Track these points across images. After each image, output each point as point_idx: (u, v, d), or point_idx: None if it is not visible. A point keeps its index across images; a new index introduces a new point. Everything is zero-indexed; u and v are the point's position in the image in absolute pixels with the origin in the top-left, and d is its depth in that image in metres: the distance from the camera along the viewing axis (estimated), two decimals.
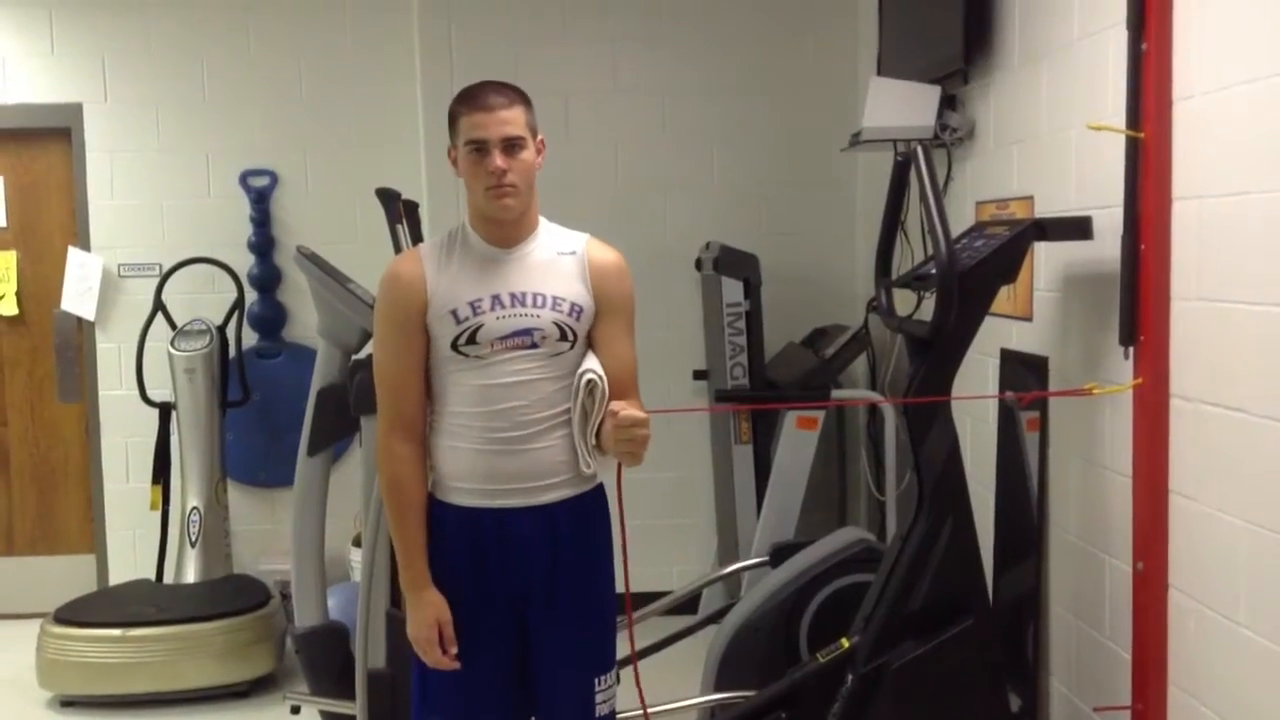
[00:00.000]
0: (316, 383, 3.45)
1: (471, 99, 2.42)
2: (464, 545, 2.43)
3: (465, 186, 2.48)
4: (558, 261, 2.47)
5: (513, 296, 2.41)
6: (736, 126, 5.10)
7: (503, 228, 2.46)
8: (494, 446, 2.38)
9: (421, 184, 4.97)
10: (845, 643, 2.99)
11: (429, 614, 2.41)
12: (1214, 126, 2.46)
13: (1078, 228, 2.94)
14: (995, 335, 3.49)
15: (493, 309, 2.39)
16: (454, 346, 2.38)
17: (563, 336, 2.41)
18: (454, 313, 2.39)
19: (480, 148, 2.39)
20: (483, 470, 2.40)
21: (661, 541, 4.80)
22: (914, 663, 2.89)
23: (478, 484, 2.41)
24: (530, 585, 2.44)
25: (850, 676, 2.94)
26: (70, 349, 5.30)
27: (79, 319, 5.24)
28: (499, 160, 2.38)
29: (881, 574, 3.04)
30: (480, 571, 2.43)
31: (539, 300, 2.41)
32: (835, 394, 4.45)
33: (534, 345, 2.39)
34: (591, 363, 2.42)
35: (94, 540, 5.35)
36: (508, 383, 2.38)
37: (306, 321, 5.15)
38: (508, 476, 2.40)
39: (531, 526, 2.42)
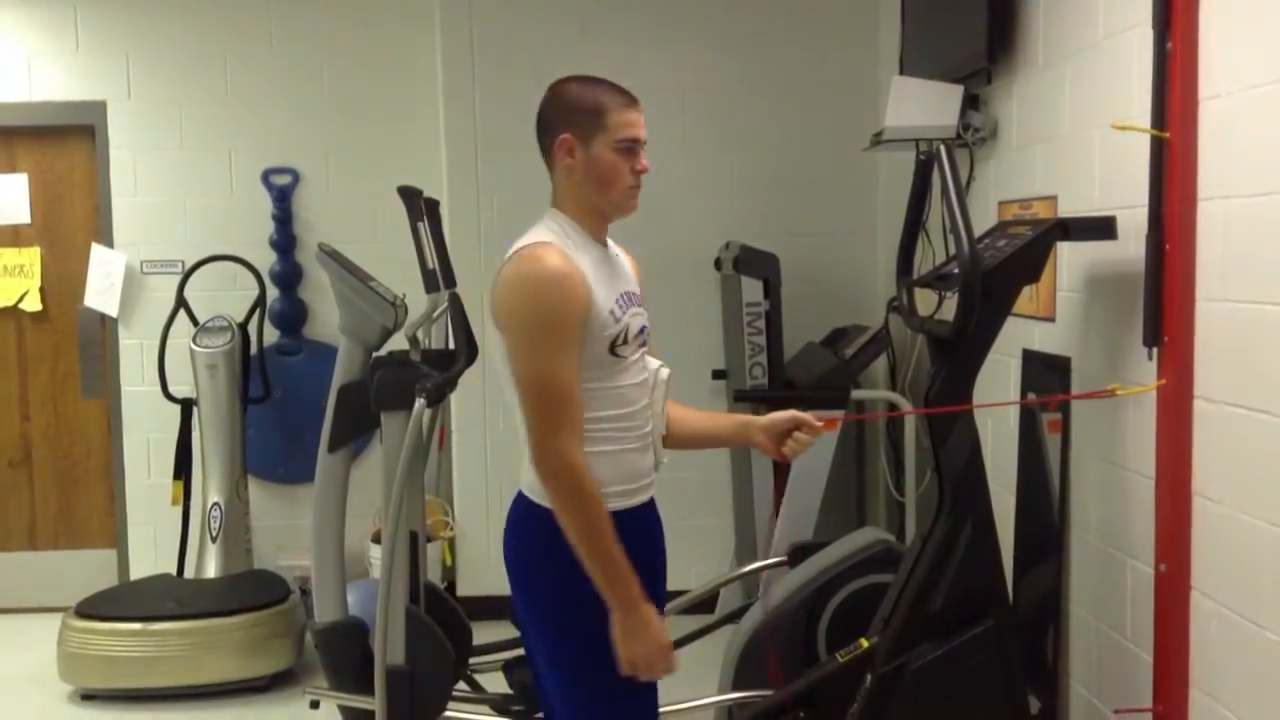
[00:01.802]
0: (337, 380, 3.46)
1: (621, 93, 2.35)
2: (643, 548, 2.35)
3: (583, 178, 2.34)
4: (622, 260, 2.49)
5: (629, 295, 2.38)
6: (757, 126, 5.10)
7: (604, 227, 2.41)
8: (636, 445, 2.34)
9: (442, 182, 4.99)
10: (864, 643, 2.98)
11: (661, 628, 2.25)
12: (1240, 126, 2.44)
13: (1102, 228, 2.93)
14: (1017, 336, 3.48)
15: (627, 306, 2.34)
16: (612, 348, 2.29)
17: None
18: (612, 312, 2.29)
19: (632, 147, 2.34)
20: (632, 470, 2.35)
21: (680, 541, 4.77)
22: (933, 663, 2.88)
23: (632, 484, 2.35)
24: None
25: (869, 676, 2.93)
26: (93, 345, 5.33)
27: (102, 315, 5.27)
28: (645, 161, 2.36)
29: (901, 574, 3.03)
30: (653, 572, 2.39)
31: (639, 298, 2.43)
32: (855, 394, 4.44)
33: (645, 343, 2.42)
34: (654, 359, 2.46)
35: (115, 535, 5.38)
36: (640, 381, 2.37)
37: (327, 319, 5.17)
38: (645, 473, 2.39)
39: (659, 521, 2.46)
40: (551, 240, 2.29)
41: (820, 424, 2.50)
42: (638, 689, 2.31)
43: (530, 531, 2.33)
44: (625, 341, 2.31)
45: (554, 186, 2.40)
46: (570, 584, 2.25)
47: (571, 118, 2.35)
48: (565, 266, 2.23)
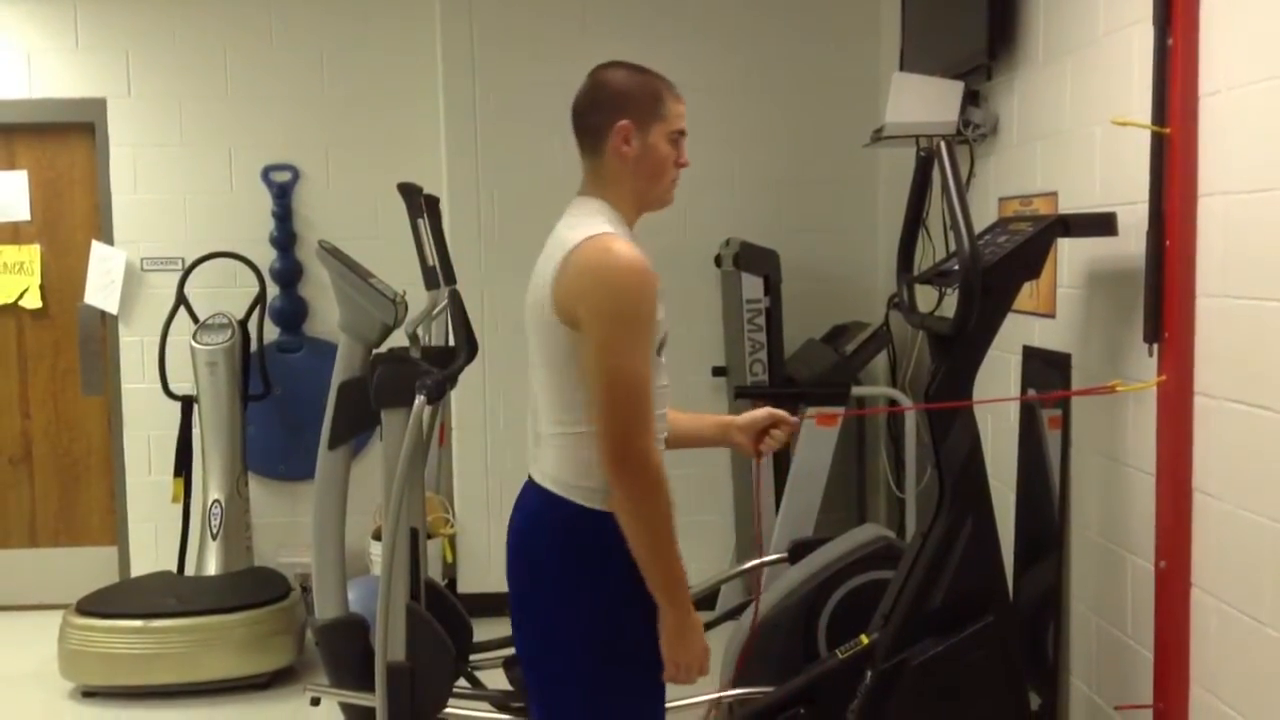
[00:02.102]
0: (337, 377, 3.46)
1: (670, 84, 2.32)
2: None
3: (636, 167, 2.28)
4: None
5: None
6: (757, 122, 5.09)
7: (636, 218, 2.35)
8: (662, 446, 2.27)
9: (442, 179, 4.99)
10: (865, 639, 2.98)
11: (702, 633, 2.24)
12: (1240, 122, 2.44)
13: (1102, 224, 2.93)
14: (1018, 332, 3.48)
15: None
16: (659, 348, 2.24)
17: None
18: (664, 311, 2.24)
19: (680, 140, 2.33)
20: None
21: (681, 537, 4.79)
22: (934, 660, 2.88)
23: None
24: None
25: (869, 673, 2.93)
26: (93, 342, 5.34)
27: (102, 313, 5.27)
28: (686, 155, 2.35)
29: (901, 571, 3.03)
30: None
31: None
32: (855, 391, 4.44)
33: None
34: None
35: (116, 532, 5.38)
36: (667, 384, 2.31)
37: (327, 316, 5.17)
38: None
39: None
40: (614, 230, 2.20)
41: (795, 420, 2.48)
42: (660, 694, 2.29)
43: (580, 533, 2.21)
44: (665, 343, 2.28)
45: (595, 173, 2.30)
46: (620, 588, 2.19)
47: (631, 103, 2.28)
48: (643, 259, 2.15)
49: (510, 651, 3.71)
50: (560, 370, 2.19)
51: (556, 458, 2.23)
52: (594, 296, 2.13)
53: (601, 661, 2.23)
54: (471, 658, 3.78)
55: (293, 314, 5.28)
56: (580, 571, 2.22)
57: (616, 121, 2.26)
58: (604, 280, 2.13)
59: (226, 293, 5.13)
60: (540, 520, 2.27)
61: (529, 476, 2.33)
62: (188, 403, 4.88)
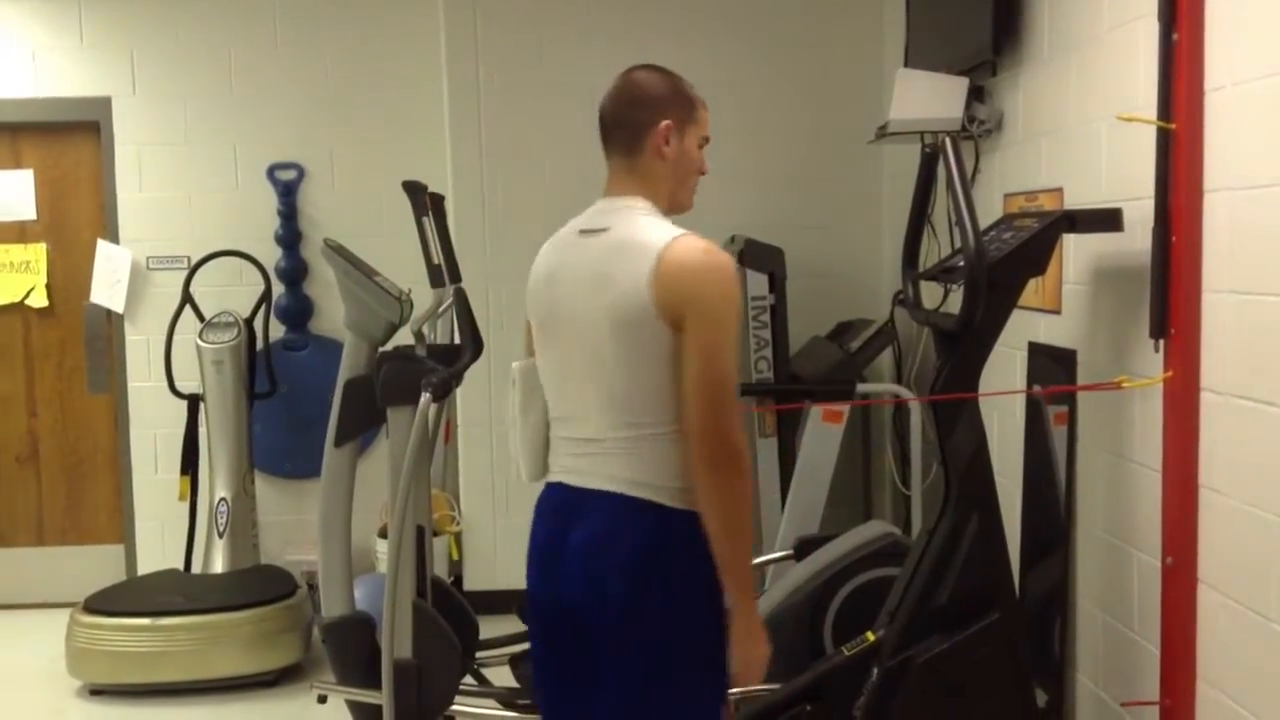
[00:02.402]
0: (343, 375, 3.46)
1: (698, 93, 2.37)
2: None
3: (672, 168, 2.30)
4: None
5: None
6: (762, 119, 5.09)
7: None
8: None
9: (447, 177, 4.99)
10: (870, 636, 2.98)
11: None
12: (1246, 117, 2.43)
13: (1108, 220, 2.92)
14: (1023, 328, 3.47)
15: None
16: None
17: None
18: None
19: (703, 146, 2.36)
20: None
21: None
22: (940, 657, 2.87)
23: None
24: None
25: (875, 670, 2.93)
26: (99, 341, 5.35)
27: (108, 311, 5.28)
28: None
29: (907, 568, 3.02)
30: None
31: None
32: (860, 388, 4.44)
33: None
34: None
35: (123, 530, 5.39)
36: None
37: (333, 314, 5.17)
38: None
39: None
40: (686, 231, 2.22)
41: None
42: (723, 697, 2.28)
43: (673, 534, 2.19)
44: None
45: (632, 171, 2.30)
46: (706, 589, 2.20)
47: (671, 105, 2.31)
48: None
49: (517, 649, 3.71)
50: (652, 370, 2.17)
51: (635, 460, 2.20)
52: (704, 298, 2.14)
53: (694, 664, 2.22)
54: (478, 655, 3.78)
55: (298, 312, 5.28)
56: (671, 572, 2.19)
57: (659, 121, 2.29)
58: (713, 281, 2.16)
59: (232, 291, 5.14)
60: (625, 525, 2.21)
61: (568, 483, 2.28)
62: (194, 401, 4.89)
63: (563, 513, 2.29)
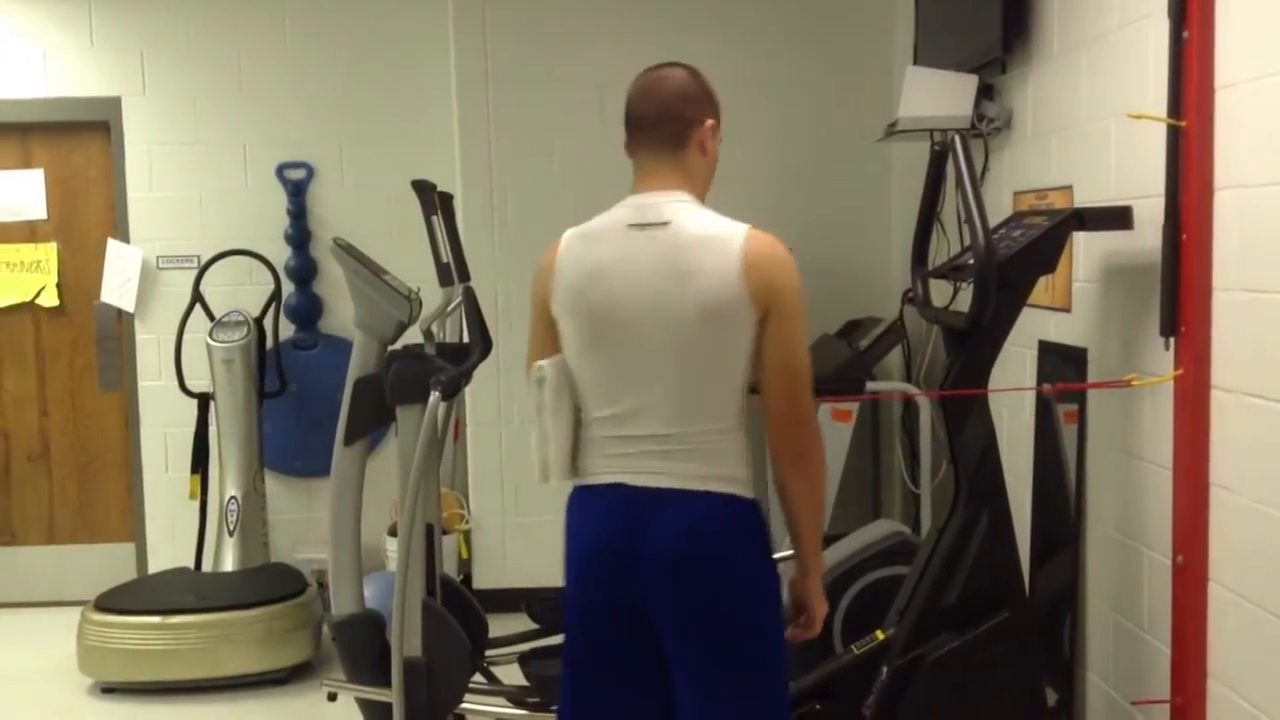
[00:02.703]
0: (353, 373, 3.46)
1: None
2: None
3: (710, 169, 2.39)
4: None
5: None
6: (771, 117, 5.08)
7: None
8: None
9: (456, 176, 4.99)
10: (880, 635, 2.98)
11: None
12: (1257, 114, 2.43)
13: (1118, 218, 2.92)
14: (1033, 327, 3.46)
15: None
16: None
17: None
18: None
19: None
20: None
21: None
22: (949, 655, 2.87)
23: None
24: None
25: (885, 669, 2.93)
26: (110, 340, 5.36)
27: (118, 310, 5.30)
28: None
29: (917, 566, 3.02)
30: None
31: None
32: (869, 386, 4.43)
33: None
34: None
35: (134, 529, 5.41)
36: None
37: (342, 313, 5.19)
38: None
39: None
40: None
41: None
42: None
43: (752, 527, 2.27)
44: None
45: (675, 164, 2.32)
46: (775, 575, 2.31)
47: (710, 103, 2.36)
48: None
49: (526, 647, 3.72)
50: (732, 363, 2.24)
51: (713, 455, 2.25)
52: (789, 289, 2.25)
53: (778, 645, 2.31)
54: (487, 653, 3.78)
55: (308, 311, 5.30)
56: (762, 558, 2.30)
57: (704, 119, 2.33)
58: (793, 274, 2.27)
59: (242, 290, 5.15)
60: (713, 522, 2.24)
61: (630, 484, 2.26)
62: (204, 400, 4.90)
63: (626, 514, 2.26)
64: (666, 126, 2.31)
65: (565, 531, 2.36)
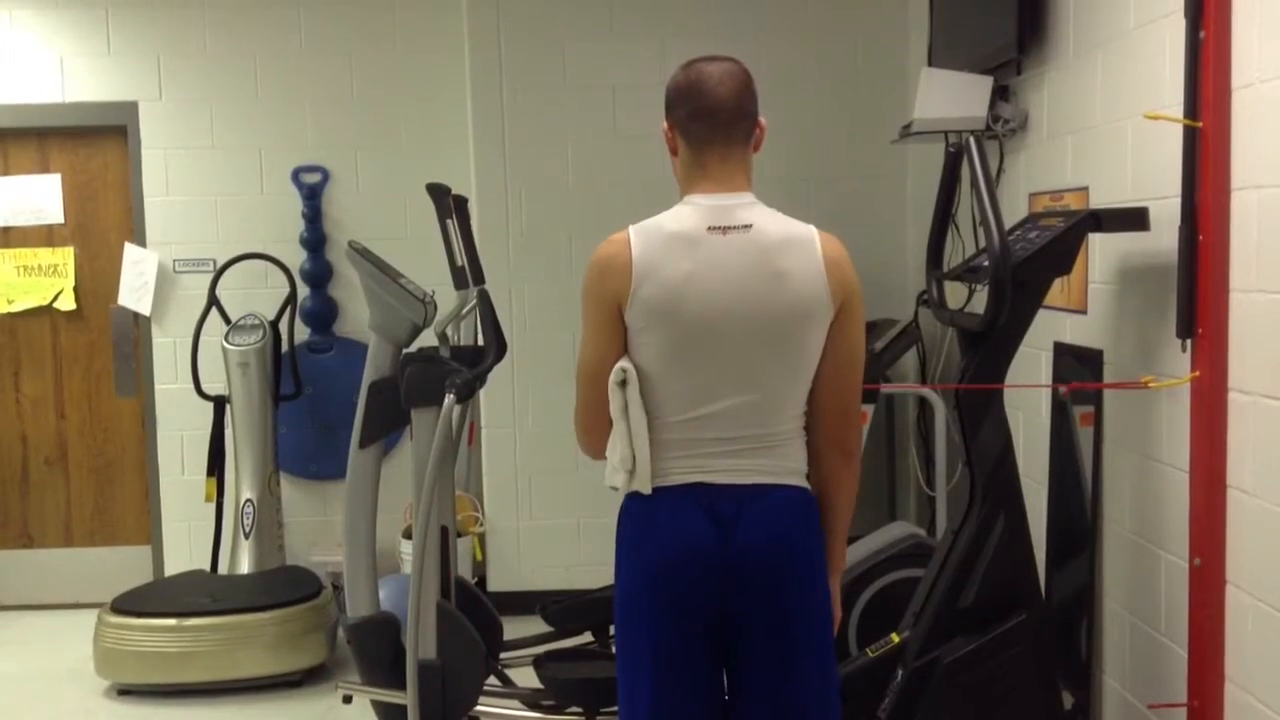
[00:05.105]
0: (368, 377, 3.47)
1: None
2: None
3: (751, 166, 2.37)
4: None
5: None
6: (785, 118, 5.05)
7: None
8: None
9: (471, 179, 5.00)
10: (895, 637, 2.97)
11: None
12: (1273, 115, 2.41)
13: (1134, 219, 2.90)
14: (1049, 328, 3.45)
15: None
16: None
17: None
18: None
19: None
20: None
21: None
22: (965, 658, 2.86)
23: None
24: None
25: (900, 672, 2.92)
26: (127, 344, 5.39)
27: (135, 314, 5.32)
28: None
29: (932, 569, 3.01)
30: None
31: None
32: (885, 389, 4.42)
33: None
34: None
35: (150, 532, 5.43)
36: None
37: (357, 316, 5.20)
38: None
39: None
40: None
41: None
42: None
43: (815, 519, 2.33)
44: None
45: (743, 162, 2.33)
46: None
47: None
48: None
49: (541, 649, 3.72)
50: (815, 361, 2.28)
51: (794, 452, 2.31)
52: (858, 288, 2.28)
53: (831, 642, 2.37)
54: (502, 655, 3.79)
55: (323, 314, 5.31)
56: (823, 547, 2.35)
57: (758, 116, 2.35)
58: (855, 272, 2.28)
59: (257, 294, 5.17)
60: (802, 514, 2.31)
61: (717, 483, 2.25)
62: (220, 403, 4.92)
63: (713, 513, 2.24)
64: (743, 123, 2.30)
65: (630, 536, 2.31)
